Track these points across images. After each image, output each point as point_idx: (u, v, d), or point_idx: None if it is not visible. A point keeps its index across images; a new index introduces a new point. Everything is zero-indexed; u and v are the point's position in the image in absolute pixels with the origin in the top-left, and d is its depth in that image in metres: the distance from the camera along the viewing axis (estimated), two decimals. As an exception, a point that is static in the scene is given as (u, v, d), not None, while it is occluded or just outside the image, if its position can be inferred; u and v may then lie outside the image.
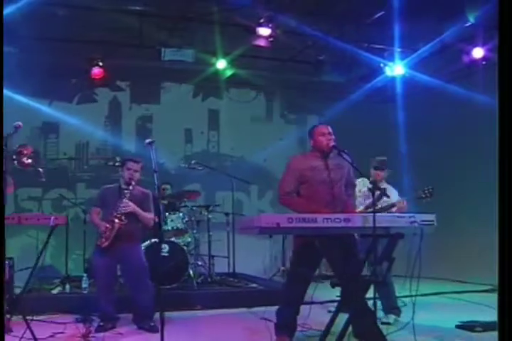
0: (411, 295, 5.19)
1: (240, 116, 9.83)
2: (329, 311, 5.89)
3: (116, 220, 5.07)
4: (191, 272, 6.71)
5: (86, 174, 9.16)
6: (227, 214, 7.83)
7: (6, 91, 8.20)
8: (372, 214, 3.98)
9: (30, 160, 4.78)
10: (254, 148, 9.73)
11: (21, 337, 3.92)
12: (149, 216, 5.43)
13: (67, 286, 6.50)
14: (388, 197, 4.89)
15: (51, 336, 4.67)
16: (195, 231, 7.23)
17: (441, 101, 8.40)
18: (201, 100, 9.78)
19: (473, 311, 5.92)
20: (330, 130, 4.71)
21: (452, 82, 8.26)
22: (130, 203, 5.20)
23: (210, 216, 7.42)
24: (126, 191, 5.20)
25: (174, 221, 6.92)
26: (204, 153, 9.23)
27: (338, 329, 4.03)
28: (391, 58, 8.39)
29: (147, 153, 9.79)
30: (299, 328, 4.73)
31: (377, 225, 3.88)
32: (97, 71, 8.19)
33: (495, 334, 4.56)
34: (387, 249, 4.19)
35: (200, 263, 7.24)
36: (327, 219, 3.89)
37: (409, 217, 4.13)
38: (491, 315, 4.85)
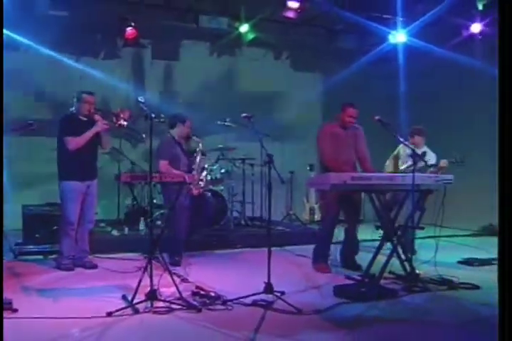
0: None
1: (250, 72, 10.57)
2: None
3: (201, 173, 6.13)
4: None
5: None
6: (252, 165, 8.72)
7: (45, 50, 8.79)
8: (407, 173, 5.18)
9: (125, 123, 5.63)
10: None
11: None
12: None
13: (126, 228, 7.33)
14: (425, 161, 5.67)
15: (136, 271, 5.38)
16: (232, 181, 8.22)
17: (440, 65, 9.18)
18: (216, 57, 10.43)
19: (466, 251, 7.19)
20: (356, 114, 5.95)
21: (451, 49, 9.05)
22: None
23: (244, 167, 8.42)
24: (197, 149, 6.21)
25: (214, 171, 7.88)
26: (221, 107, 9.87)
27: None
28: (394, 27, 9.30)
29: (170, 107, 10.39)
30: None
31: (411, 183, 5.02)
32: (130, 31, 8.78)
33: (489, 267, 5.93)
34: (420, 202, 5.35)
35: (234, 208, 8.26)
36: (377, 177, 5.04)
37: (435, 176, 5.35)
38: (482, 254, 6.67)
